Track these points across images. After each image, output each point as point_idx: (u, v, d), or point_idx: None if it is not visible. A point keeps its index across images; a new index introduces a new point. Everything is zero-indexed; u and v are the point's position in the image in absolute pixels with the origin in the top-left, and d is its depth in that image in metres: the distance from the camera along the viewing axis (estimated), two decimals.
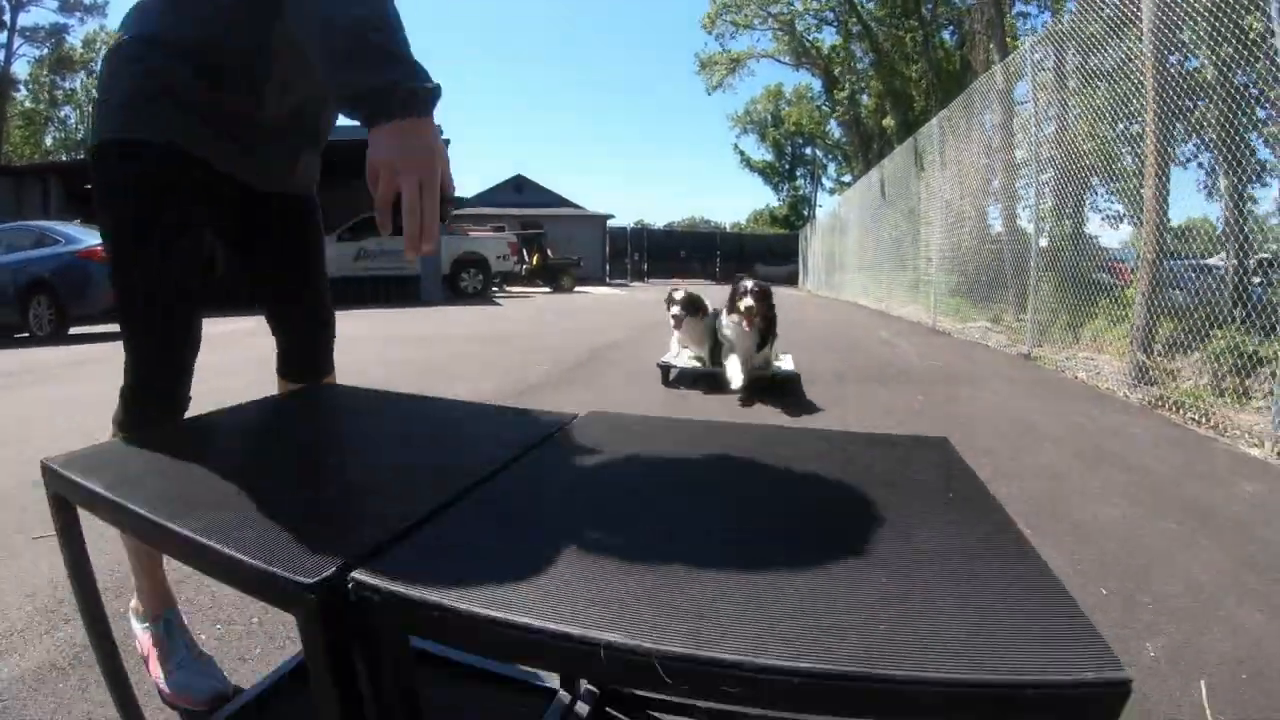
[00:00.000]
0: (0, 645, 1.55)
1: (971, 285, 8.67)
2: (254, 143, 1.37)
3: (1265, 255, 4.31)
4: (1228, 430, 3.79)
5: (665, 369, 4.91)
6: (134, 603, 1.51)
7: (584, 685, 1.32)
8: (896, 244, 12.34)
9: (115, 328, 5.64)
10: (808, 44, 29.79)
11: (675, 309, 4.90)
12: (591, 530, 0.74)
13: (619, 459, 1.00)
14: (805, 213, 43.56)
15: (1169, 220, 5.12)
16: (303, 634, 0.62)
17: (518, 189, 34.39)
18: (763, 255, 34.24)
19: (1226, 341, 4.23)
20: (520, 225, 25.37)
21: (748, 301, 4.42)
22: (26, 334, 9.33)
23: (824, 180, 43.89)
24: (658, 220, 72.26)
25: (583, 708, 1.27)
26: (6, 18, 33.84)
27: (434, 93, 0.97)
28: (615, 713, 1.30)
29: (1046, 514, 2.47)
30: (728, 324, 4.57)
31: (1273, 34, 3.68)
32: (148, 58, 1.27)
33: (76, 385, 4.94)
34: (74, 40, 38.12)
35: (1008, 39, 13.52)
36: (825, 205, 35.88)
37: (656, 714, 1.30)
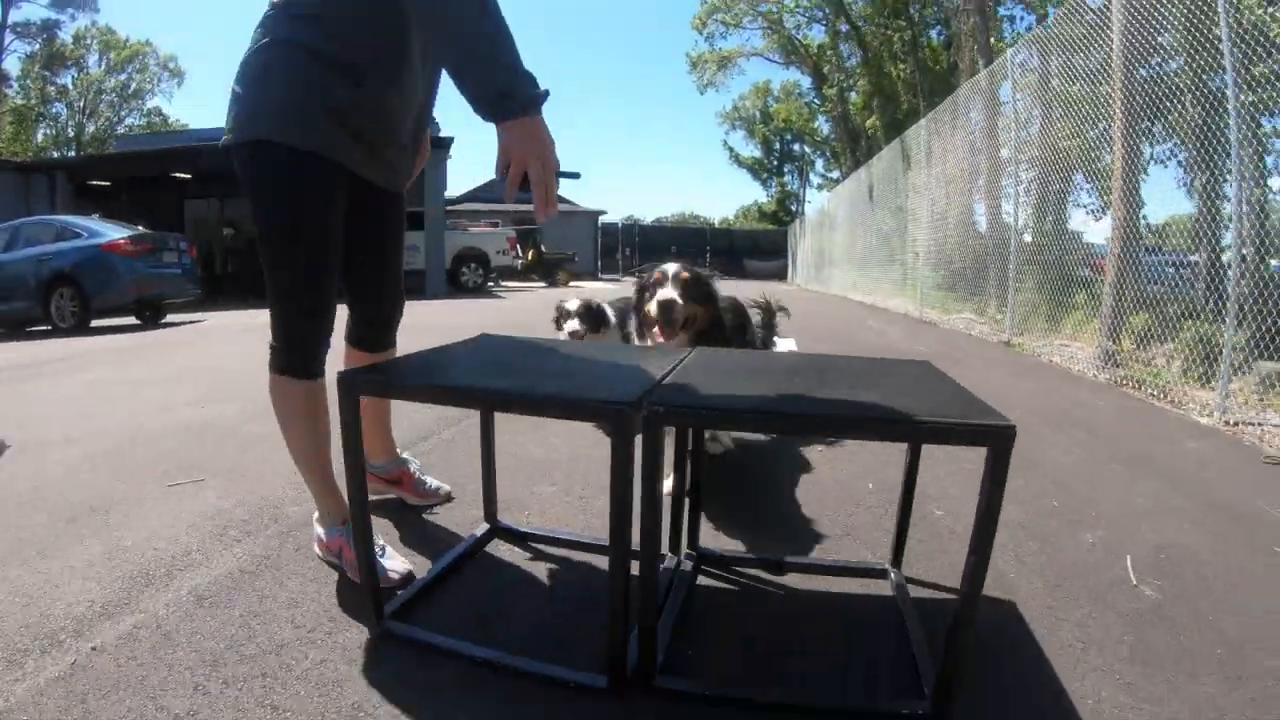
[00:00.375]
0: (185, 562, 1.88)
1: (956, 279, 9.20)
2: (390, 155, 1.75)
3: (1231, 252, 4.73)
4: (1183, 404, 4.29)
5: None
6: (316, 515, 1.88)
7: (685, 551, 1.81)
8: (885, 240, 12.87)
9: (133, 320, 6.10)
10: (797, 42, 30.22)
11: (571, 324, 3.47)
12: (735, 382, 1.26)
13: (727, 367, 1.52)
14: (793, 208, 44.04)
15: (1143, 217, 5.61)
16: (615, 437, 1.15)
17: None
18: (751, 250, 34.75)
19: (1194, 331, 4.71)
20: (514, 220, 25.74)
21: (664, 294, 2.35)
22: (48, 326, 9.59)
23: (812, 176, 44.34)
24: (648, 215, 72.80)
25: (686, 565, 1.76)
26: None
27: (544, 96, 1.33)
28: (710, 568, 1.80)
29: (1038, 473, 2.97)
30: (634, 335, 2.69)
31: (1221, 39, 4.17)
32: (308, 70, 1.53)
33: (126, 369, 5.32)
34: (64, 36, 38.10)
35: (993, 40, 14.02)
36: (814, 201, 36.38)
37: (739, 569, 1.80)
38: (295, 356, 1.68)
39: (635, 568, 1.25)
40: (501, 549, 1.96)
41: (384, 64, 1.61)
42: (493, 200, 32.04)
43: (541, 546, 1.96)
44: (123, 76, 40.94)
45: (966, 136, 8.87)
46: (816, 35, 29.61)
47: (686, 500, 1.77)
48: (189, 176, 16.11)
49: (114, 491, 2.40)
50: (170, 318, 10.54)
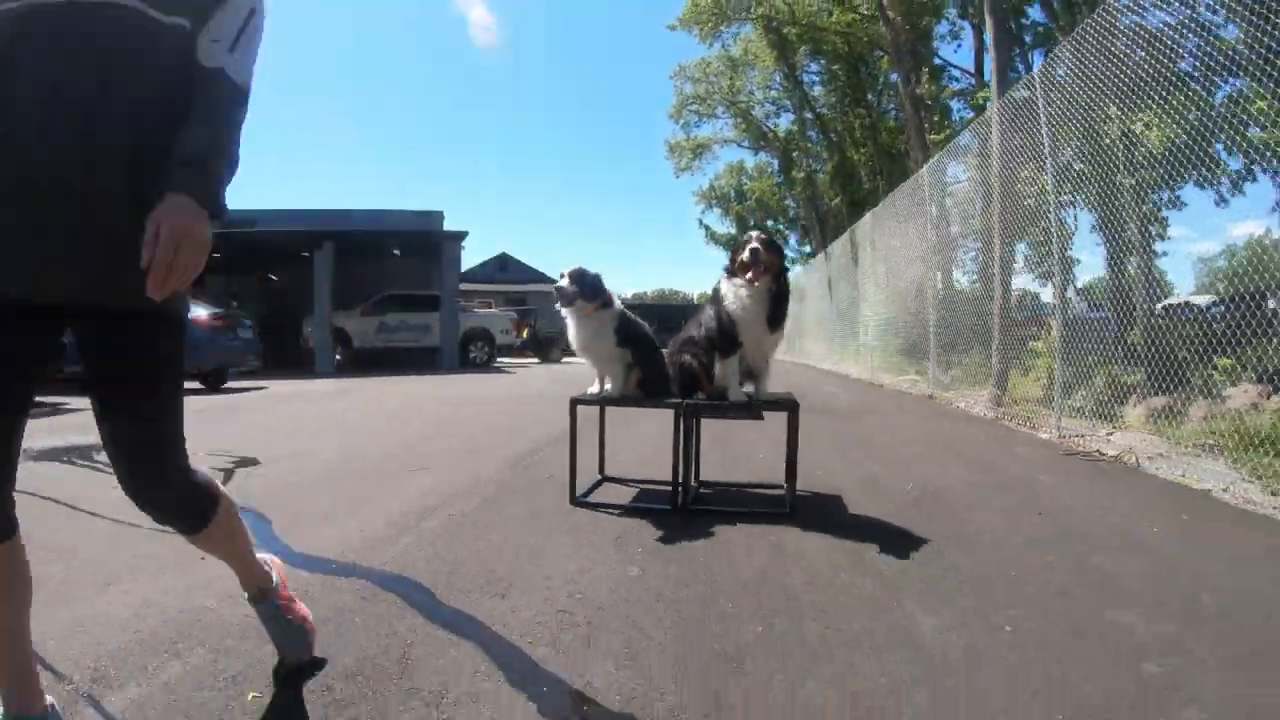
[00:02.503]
0: (405, 524, 3.41)
1: (903, 347, 11.06)
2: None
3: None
4: (1040, 428, 6.03)
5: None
6: None
7: (695, 478, 3.58)
8: (842, 315, 14.84)
9: (198, 384, 8.09)
10: (766, 129, 32.75)
11: (562, 281, 3.44)
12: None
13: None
14: None
15: (1012, 295, 7.49)
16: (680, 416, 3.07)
17: (502, 266, 36.92)
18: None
19: (1046, 371, 6.50)
20: (506, 301, 27.70)
21: (751, 249, 3.29)
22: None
23: (786, 251, 46.31)
24: (628, 290, 75.59)
25: (694, 483, 3.51)
26: None
27: (220, 207, 1.30)
28: (705, 485, 3.56)
29: (910, 496, 4.69)
30: (729, 292, 3.38)
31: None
32: None
33: (269, 412, 6.97)
34: None
35: (930, 133, 16.08)
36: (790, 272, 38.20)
37: (718, 485, 3.57)
38: None
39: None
40: (609, 486, 3.76)
41: None
42: (477, 281, 34.15)
43: (629, 483, 3.73)
44: None
45: (900, 231, 10.87)
46: (784, 123, 32.13)
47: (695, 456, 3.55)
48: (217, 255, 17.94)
49: (367, 478, 4.10)
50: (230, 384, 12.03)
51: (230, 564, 1.74)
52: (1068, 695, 1.67)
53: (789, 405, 3.31)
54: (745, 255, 3.29)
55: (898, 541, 2.87)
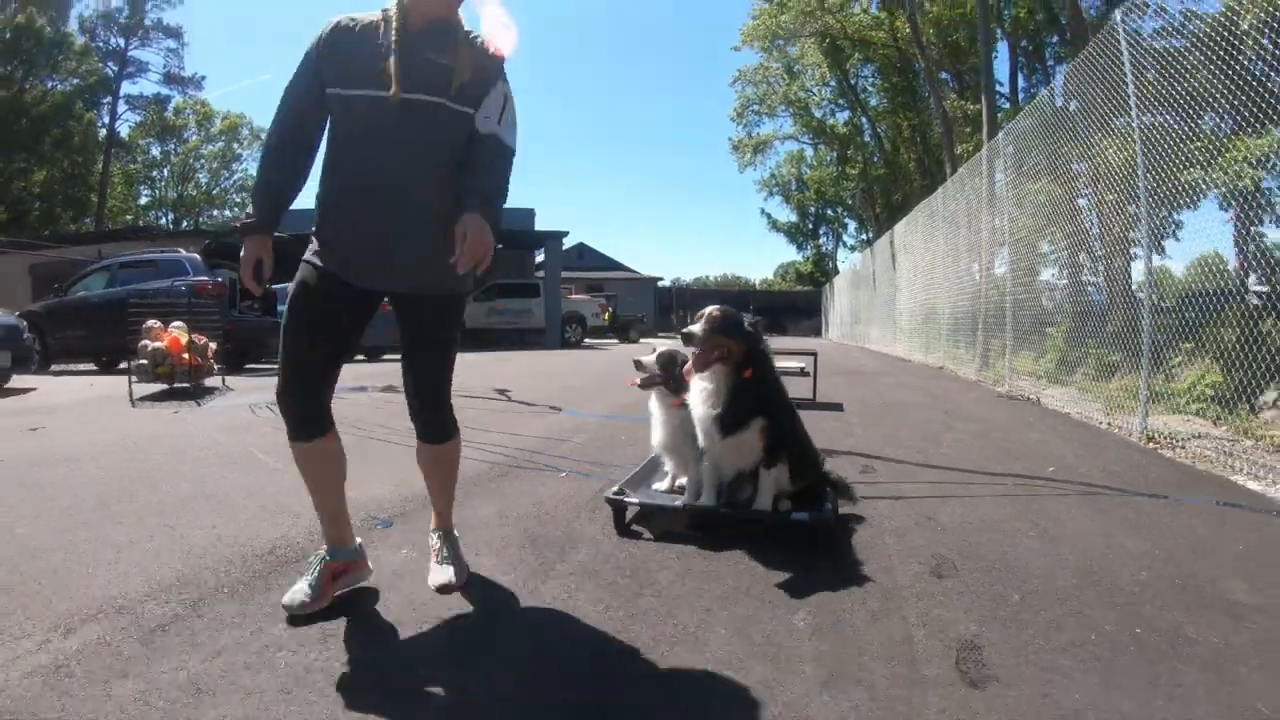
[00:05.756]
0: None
1: (926, 330, 13.86)
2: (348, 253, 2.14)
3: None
4: (998, 385, 8.86)
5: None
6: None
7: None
8: (885, 304, 17.64)
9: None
10: (824, 126, 34.63)
11: (647, 358, 3.16)
12: None
13: None
14: (828, 266, 47.49)
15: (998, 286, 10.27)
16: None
17: (580, 255, 40.22)
18: (790, 310, 39.47)
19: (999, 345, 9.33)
20: (585, 287, 30.97)
21: (699, 326, 2.71)
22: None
23: (845, 238, 47.72)
24: (688, 275, 78.51)
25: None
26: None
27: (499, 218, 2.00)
28: None
29: (882, 405, 7.64)
30: (693, 386, 2.85)
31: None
32: None
33: None
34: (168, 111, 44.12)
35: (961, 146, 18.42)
36: (846, 260, 40.12)
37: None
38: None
39: None
40: None
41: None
42: (568, 269, 37.45)
43: None
44: (220, 145, 47.08)
45: (924, 236, 13.66)
46: (842, 117, 33.64)
47: None
48: None
49: (584, 396, 7.27)
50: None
51: (440, 496, 2.42)
52: (955, 431, 4.68)
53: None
54: (696, 329, 2.70)
55: (867, 418, 5.89)
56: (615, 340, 26.95)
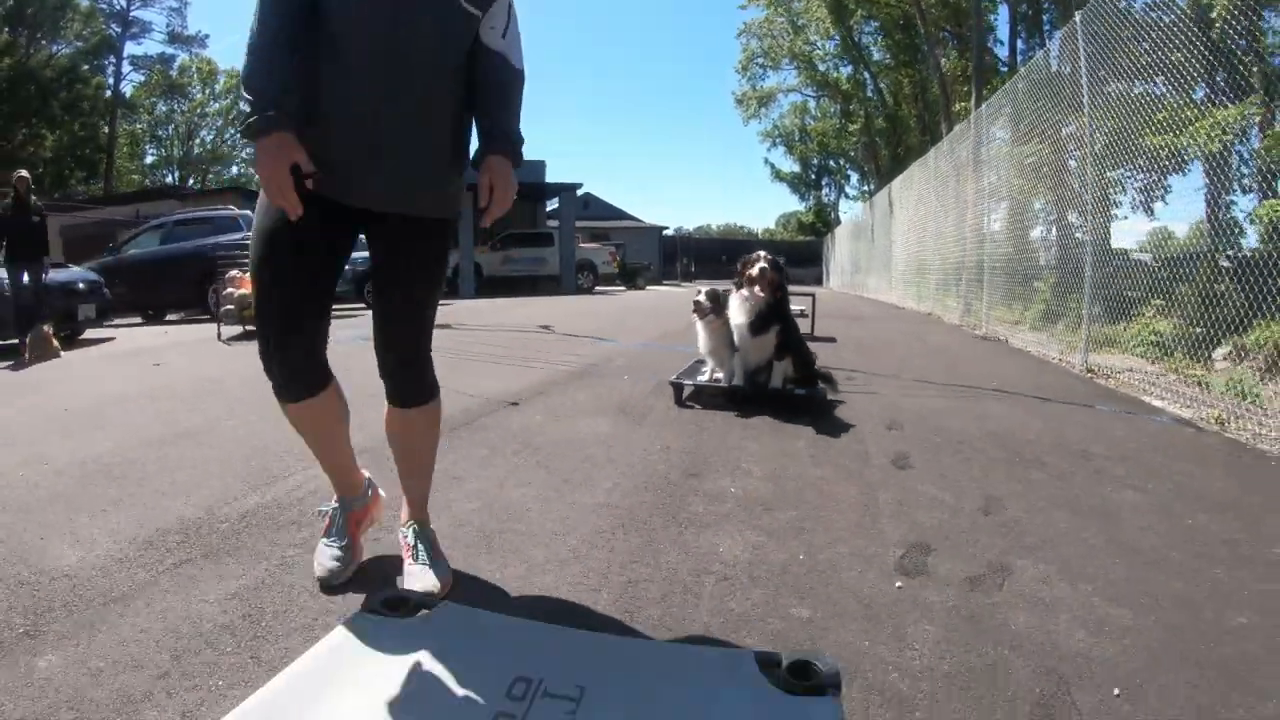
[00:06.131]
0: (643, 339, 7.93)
1: (918, 280, 15.05)
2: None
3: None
4: (988, 333, 10.10)
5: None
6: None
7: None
8: (881, 254, 18.80)
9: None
10: (828, 78, 35.08)
11: (699, 297, 4.45)
12: None
13: None
14: (830, 217, 47.86)
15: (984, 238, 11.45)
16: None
17: (585, 205, 41.02)
18: (792, 259, 40.22)
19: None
20: (591, 236, 31.98)
21: (758, 267, 4.15)
22: (207, 315, 10.81)
23: (847, 189, 48.01)
24: (691, 224, 79.20)
25: None
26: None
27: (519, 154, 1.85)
28: None
29: (879, 347, 8.90)
30: (734, 301, 4.29)
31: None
32: None
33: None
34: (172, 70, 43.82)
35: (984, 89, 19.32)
36: (848, 211, 40.82)
37: None
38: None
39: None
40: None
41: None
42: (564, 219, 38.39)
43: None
44: (225, 102, 46.47)
45: (917, 194, 14.77)
46: (846, 71, 33.96)
47: None
48: None
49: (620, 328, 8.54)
50: None
51: (415, 479, 2.05)
52: (927, 359, 5.96)
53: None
54: (754, 271, 4.14)
55: (857, 350, 7.16)
56: (623, 287, 28.07)
